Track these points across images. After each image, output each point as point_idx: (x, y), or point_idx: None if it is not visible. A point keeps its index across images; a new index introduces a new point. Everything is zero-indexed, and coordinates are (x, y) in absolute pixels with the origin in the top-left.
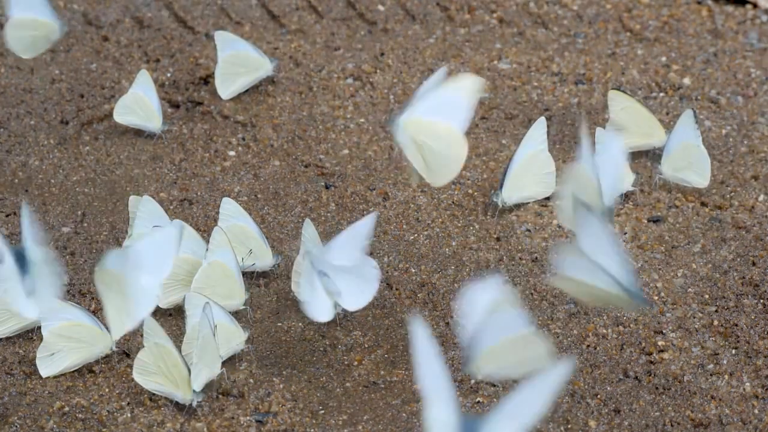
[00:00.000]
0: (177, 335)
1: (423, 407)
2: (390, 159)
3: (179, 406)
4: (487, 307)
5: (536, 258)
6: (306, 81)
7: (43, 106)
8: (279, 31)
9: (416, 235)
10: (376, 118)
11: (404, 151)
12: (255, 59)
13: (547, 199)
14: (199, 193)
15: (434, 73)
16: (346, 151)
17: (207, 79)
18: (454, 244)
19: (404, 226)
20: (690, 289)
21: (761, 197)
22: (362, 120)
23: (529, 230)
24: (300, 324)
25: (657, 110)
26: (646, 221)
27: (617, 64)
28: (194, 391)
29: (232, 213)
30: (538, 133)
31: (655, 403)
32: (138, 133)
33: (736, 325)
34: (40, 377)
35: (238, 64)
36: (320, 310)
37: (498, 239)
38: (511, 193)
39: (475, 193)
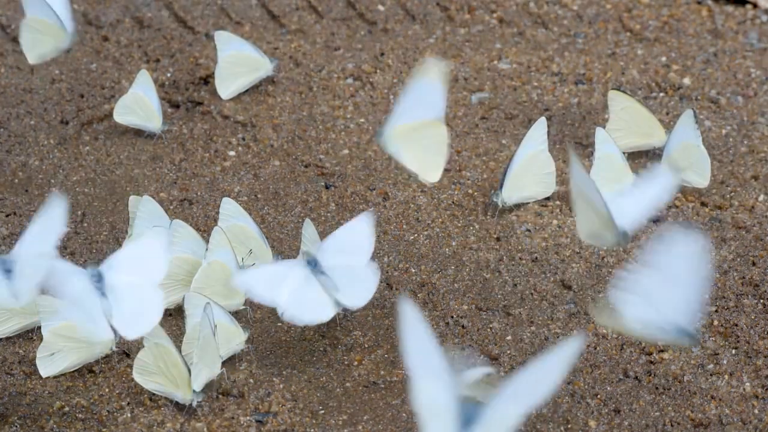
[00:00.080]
0: (177, 335)
1: (412, 388)
2: (390, 159)
3: (179, 406)
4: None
5: (536, 258)
6: (306, 81)
7: (43, 106)
8: (279, 31)
9: (416, 235)
10: (376, 118)
11: (398, 159)
12: (255, 59)
13: (547, 199)
14: (199, 193)
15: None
16: (346, 151)
17: (207, 79)
18: (454, 244)
19: (404, 226)
20: None
21: (761, 197)
22: (362, 120)
23: (529, 230)
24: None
25: (657, 110)
26: (646, 221)
27: (617, 64)
28: (194, 391)
29: (232, 213)
30: (538, 133)
31: (655, 403)
32: (138, 133)
33: (736, 325)
34: (40, 377)
35: (238, 64)
36: (320, 310)
37: (498, 239)
38: (511, 193)
39: (475, 193)
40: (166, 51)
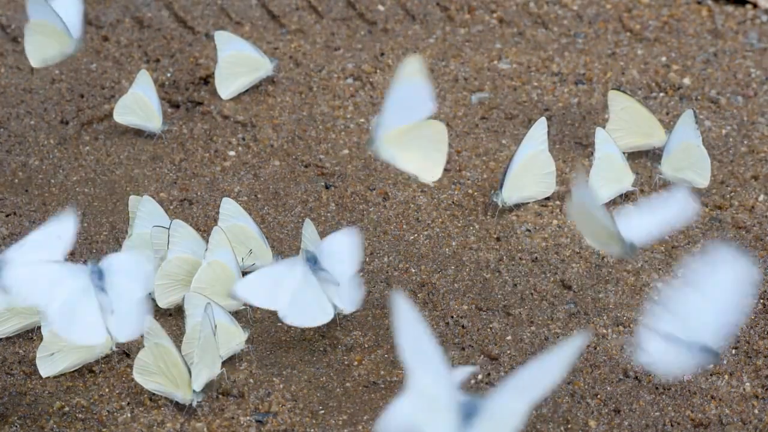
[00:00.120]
0: (177, 335)
1: (409, 383)
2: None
3: (179, 406)
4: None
5: (536, 258)
6: (306, 81)
7: (43, 106)
8: (279, 31)
9: (416, 235)
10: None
11: (394, 164)
12: (255, 59)
13: (547, 199)
14: (199, 193)
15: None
16: (346, 151)
17: (207, 79)
18: (454, 244)
19: (404, 226)
20: None
21: (761, 197)
22: (362, 120)
23: (529, 230)
24: None
25: (657, 110)
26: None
27: (617, 64)
28: (194, 391)
29: (232, 213)
30: (538, 133)
31: (655, 403)
32: (138, 133)
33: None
34: (40, 377)
35: (238, 64)
36: (321, 313)
37: (498, 239)
38: (511, 193)
39: (475, 193)
40: (166, 51)
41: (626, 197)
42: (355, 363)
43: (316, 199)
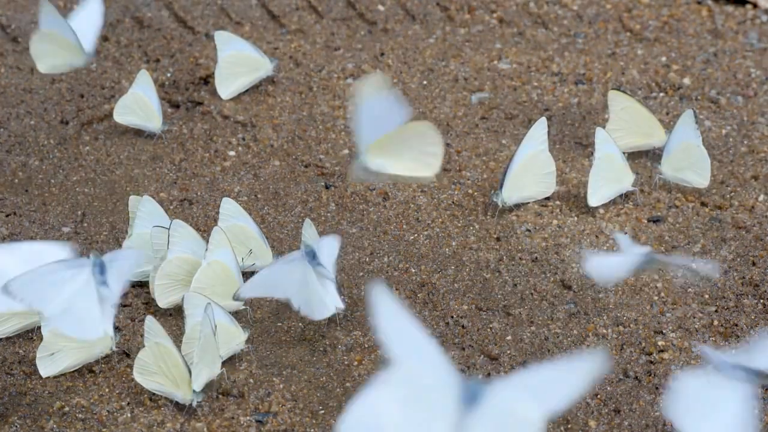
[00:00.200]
0: (177, 335)
1: (399, 373)
2: None
3: (179, 406)
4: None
5: (536, 258)
6: (306, 81)
7: (43, 106)
8: (279, 31)
9: (416, 235)
10: None
11: (386, 172)
12: (255, 59)
13: (547, 199)
14: (199, 193)
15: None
16: (346, 151)
17: (207, 79)
18: (454, 244)
19: (404, 226)
20: (690, 289)
21: (761, 197)
22: None
23: (529, 230)
24: (300, 324)
25: (657, 110)
26: (646, 221)
27: (617, 64)
28: (194, 391)
29: (232, 213)
30: (538, 133)
31: (655, 403)
32: (138, 133)
33: (736, 325)
34: (40, 377)
35: (238, 64)
36: (325, 305)
37: (498, 239)
38: (511, 193)
39: (475, 193)
40: (166, 51)
41: (626, 197)
42: (355, 363)
43: (316, 199)
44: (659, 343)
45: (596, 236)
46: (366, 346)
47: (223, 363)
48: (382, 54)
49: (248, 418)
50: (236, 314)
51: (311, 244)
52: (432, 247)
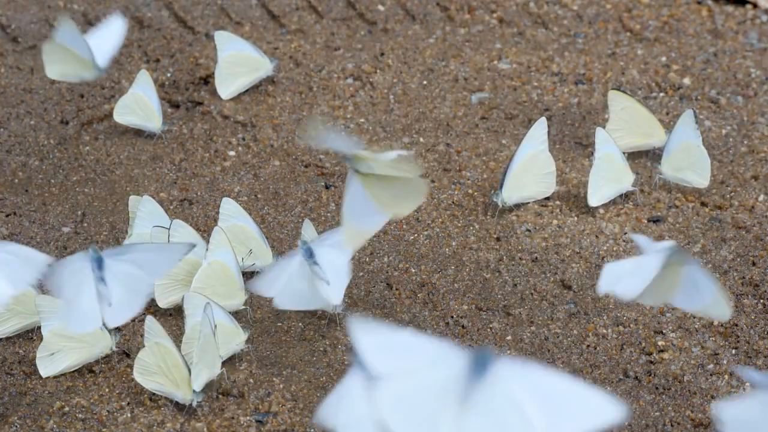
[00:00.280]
0: (177, 335)
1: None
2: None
3: (179, 406)
4: None
5: (536, 258)
6: (306, 81)
7: (43, 106)
8: (279, 31)
9: (416, 235)
10: (376, 118)
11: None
12: (255, 59)
13: (547, 199)
14: (199, 193)
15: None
16: None
17: (207, 79)
18: (454, 244)
19: (404, 226)
20: None
21: (761, 197)
22: (362, 120)
23: (529, 230)
24: (300, 324)
25: (657, 110)
26: (646, 221)
27: (617, 64)
28: (194, 391)
29: (232, 213)
30: (538, 133)
31: (655, 403)
32: (138, 133)
33: (736, 325)
34: (40, 377)
35: (238, 64)
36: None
37: (498, 239)
38: (511, 193)
39: (475, 193)
40: (166, 51)
41: (626, 197)
42: None
43: (316, 199)
44: (659, 343)
45: (596, 236)
46: None
47: (223, 363)
48: (382, 54)
49: (248, 418)
50: (236, 314)
51: (308, 241)
52: (432, 247)
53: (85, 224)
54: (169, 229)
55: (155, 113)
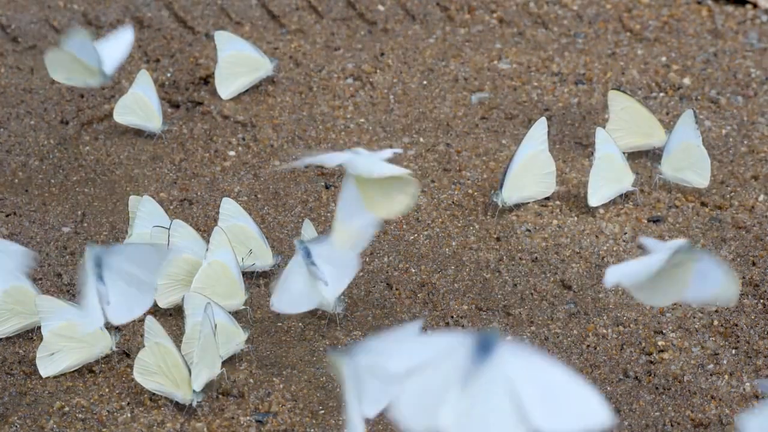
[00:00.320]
0: (177, 335)
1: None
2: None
3: (179, 406)
4: None
5: (536, 258)
6: (306, 81)
7: (43, 106)
8: (279, 31)
9: (416, 235)
10: (376, 118)
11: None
12: (255, 59)
13: (547, 199)
14: (199, 193)
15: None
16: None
17: (207, 79)
18: (454, 244)
19: (404, 226)
20: None
21: (761, 197)
22: (362, 120)
23: (529, 230)
24: (300, 324)
25: (657, 110)
26: (646, 221)
27: (617, 64)
28: (194, 391)
29: (232, 213)
30: (538, 133)
31: (655, 403)
32: (138, 133)
33: (736, 325)
34: (40, 377)
35: (238, 64)
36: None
37: (498, 239)
38: (511, 193)
39: (475, 193)
40: (166, 51)
41: (626, 197)
42: None
43: (316, 199)
44: (659, 343)
45: (596, 236)
46: None
47: (223, 363)
48: (382, 54)
49: (248, 418)
50: (236, 314)
51: (307, 241)
52: (432, 247)
53: (85, 224)
54: (169, 229)
55: (155, 113)
